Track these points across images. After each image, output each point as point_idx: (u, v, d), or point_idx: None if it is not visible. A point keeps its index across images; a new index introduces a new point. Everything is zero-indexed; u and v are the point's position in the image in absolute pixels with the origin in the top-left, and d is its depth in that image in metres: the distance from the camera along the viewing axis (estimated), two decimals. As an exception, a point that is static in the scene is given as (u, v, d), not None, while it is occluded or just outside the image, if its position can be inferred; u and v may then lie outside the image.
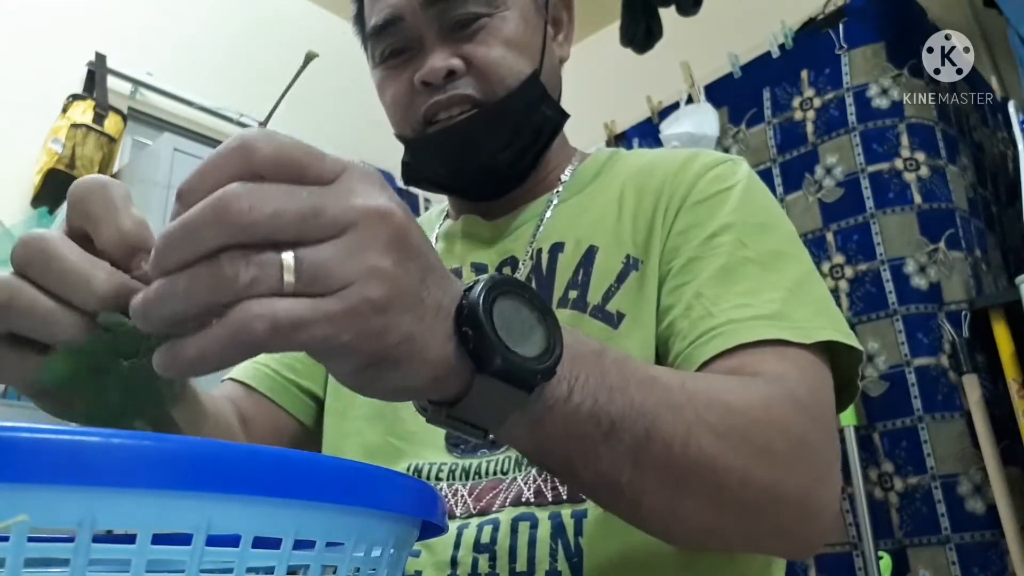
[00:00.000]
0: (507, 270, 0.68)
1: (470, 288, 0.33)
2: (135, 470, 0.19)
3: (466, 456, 0.61)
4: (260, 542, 0.20)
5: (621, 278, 0.62)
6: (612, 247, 0.64)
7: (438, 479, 0.61)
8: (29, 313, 0.32)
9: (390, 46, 0.67)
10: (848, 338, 0.54)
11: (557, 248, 0.66)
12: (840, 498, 1.75)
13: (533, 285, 0.65)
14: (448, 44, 0.64)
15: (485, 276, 0.34)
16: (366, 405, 0.67)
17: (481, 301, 0.32)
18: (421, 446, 0.63)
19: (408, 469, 0.62)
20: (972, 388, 1.65)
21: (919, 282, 1.79)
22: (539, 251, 0.67)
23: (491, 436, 0.36)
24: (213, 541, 0.19)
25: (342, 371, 0.31)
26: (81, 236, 0.34)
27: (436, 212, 0.82)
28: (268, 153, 0.28)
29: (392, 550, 0.25)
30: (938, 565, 1.61)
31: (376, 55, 0.68)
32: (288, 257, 0.27)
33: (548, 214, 0.69)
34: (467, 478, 0.60)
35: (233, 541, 0.20)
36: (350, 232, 0.28)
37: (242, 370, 0.73)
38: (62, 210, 1.68)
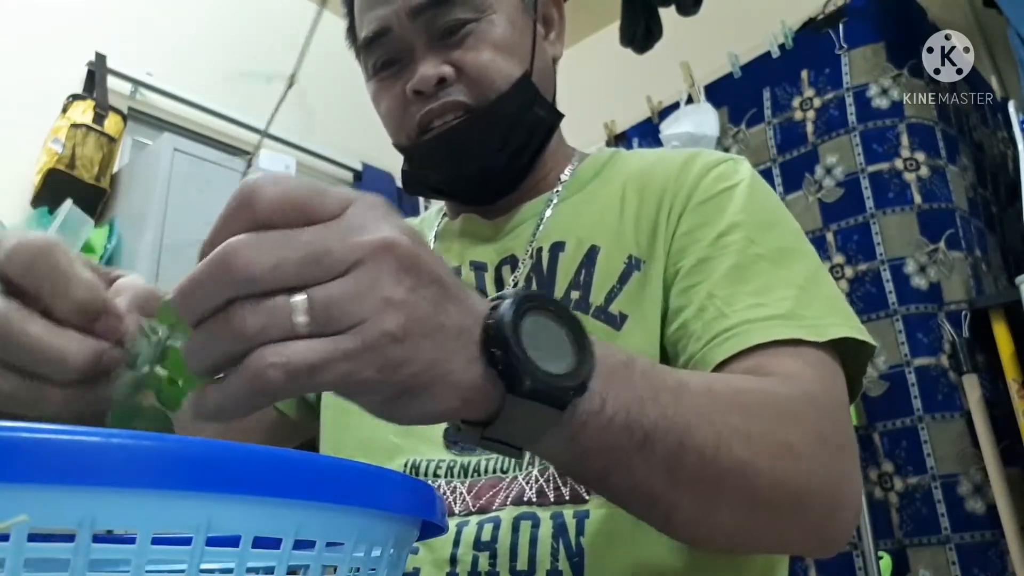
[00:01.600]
0: (506, 269, 0.68)
1: (496, 306, 0.33)
2: (135, 470, 0.19)
3: (464, 453, 0.61)
4: (260, 542, 0.20)
5: (623, 279, 0.62)
6: (614, 247, 0.64)
7: (436, 476, 0.61)
8: (10, 398, 0.32)
9: (381, 57, 0.67)
10: (861, 333, 0.55)
11: (558, 247, 0.66)
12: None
13: (533, 284, 0.65)
14: (437, 52, 0.65)
15: (511, 292, 0.34)
16: None
17: (509, 320, 0.32)
18: (419, 442, 0.63)
19: (406, 465, 0.62)
20: (972, 388, 1.65)
21: (919, 282, 1.79)
22: (539, 250, 0.66)
23: (527, 453, 0.36)
24: (213, 541, 0.19)
25: (369, 404, 0.31)
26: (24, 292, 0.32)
27: (434, 211, 0.82)
28: (270, 200, 0.28)
29: (392, 550, 0.25)
30: (938, 565, 1.61)
31: (369, 67, 0.69)
32: (300, 299, 0.27)
33: (548, 213, 0.69)
34: (465, 475, 0.60)
35: (233, 541, 0.20)
36: (359, 268, 0.28)
37: None
38: (61, 211, 1.67)
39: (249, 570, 0.20)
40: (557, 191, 0.71)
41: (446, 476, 0.60)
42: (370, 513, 0.23)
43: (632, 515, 0.44)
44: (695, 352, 0.54)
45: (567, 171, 0.73)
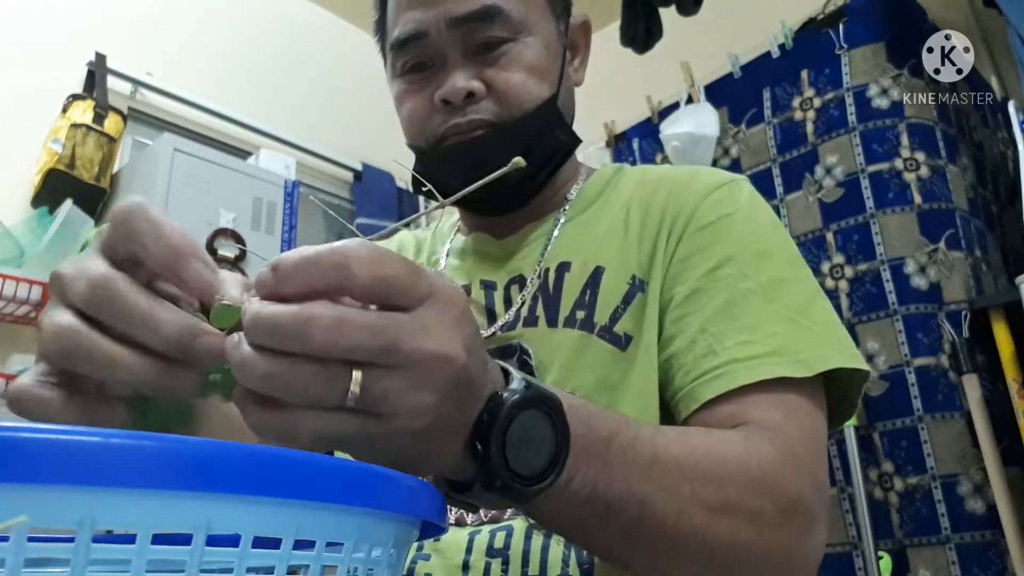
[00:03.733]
0: (515, 288, 0.69)
1: (496, 400, 0.34)
2: (135, 470, 0.19)
3: None
4: (260, 542, 0.20)
5: (627, 299, 0.63)
6: (618, 268, 0.65)
7: None
8: (91, 357, 0.32)
9: (412, 60, 0.67)
10: (852, 360, 0.56)
11: (564, 267, 0.67)
12: (841, 499, 1.75)
13: (540, 303, 0.66)
14: (471, 65, 0.65)
15: (518, 385, 0.35)
16: None
17: (500, 423, 0.33)
18: None
19: None
20: (972, 388, 1.65)
21: (919, 282, 1.79)
22: (546, 270, 0.67)
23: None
24: (213, 541, 0.19)
25: (359, 457, 0.32)
26: (126, 261, 0.34)
27: (448, 226, 0.83)
28: (364, 278, 0.29)
29: (392, 550, 0.25)
30: (938, 565, 1.61)
31: (397, 66, 0.69)
32: (357, 378, 0.29)
33: (555, 233, 0.70)
34: None
35: (233, 541, 0.20)
36: (415, 369, 0.30)
37: None
38: (61, 211, 1.66)
39: (249, 570, 0.20)
40: (564, 210, 0.72)
41: None
42: (370, 513, 0.23)
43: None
44: (683, 385, 0.57)
45: (573, 190, 0.74)
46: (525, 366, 0.64)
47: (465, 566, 0.57)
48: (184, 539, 0.19)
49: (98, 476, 0.19)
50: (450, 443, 0.33)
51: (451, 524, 0.60)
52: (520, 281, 0.69)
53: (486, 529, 0.58)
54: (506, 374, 0.36)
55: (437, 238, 0.81)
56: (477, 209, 0.74)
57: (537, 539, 0.56)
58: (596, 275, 0.65)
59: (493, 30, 0.64)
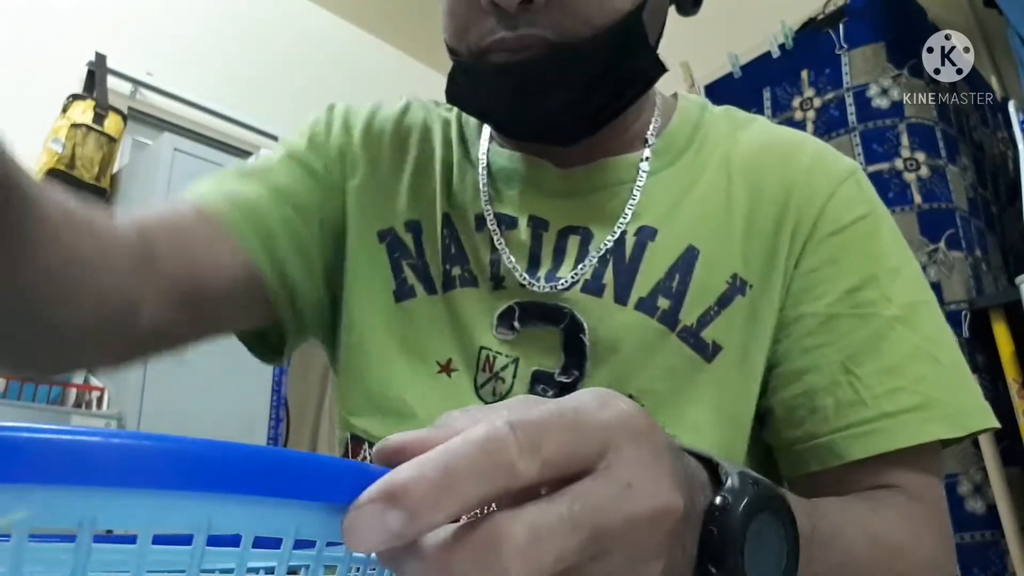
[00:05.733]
0: (574, 239, 0.56)
1: (721, 507, 0.27)
2: (136, 470, 0.19)
3: None
4: (261, 542, 0.20)
5: (724, 301, 0.53)
6: (717, 256, 0.54)
7: None
8: None
9: None
10: (992, 420, 0.51)
11: (647, 234, 0.55)
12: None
13: (609, 269, 0.54)
14: None
15: (738, 486, 0.27)
16: (384, 348, 0.58)
17: (735, 537, 0.26)
18: (436, 416, 0.56)
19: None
20: (972, 388, 1.65)
21: (919, 282, 1.79)
22: (623, 232, 0.55)
23: None
24: (213, 541, 0.20)
25: None
26: None
27: (475, 124, 0.65)
28: (530, 469, 0.21)
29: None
30: (938, 565, 1.61)
31: None
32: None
33: (638, 184, 0.57)
34: None
35: (234, 541, 0.20)
36: (630, 540, 0.23)
37: (214, 191, 0.57)
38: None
39: (249, 570, 0.20)
40: (646, 157, 0.58)
41: None
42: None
43: None
44: (821, 434, 0.50)
45: (652, 127, 0.60)
46: (577, 344, 0.53)
47: None
48: (184, 539, 0.20)
49: (98, 476, 0.19)
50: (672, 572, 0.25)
51: None
52: (583, 234, 0.56)
53: None
54: (703, 461, 0.29)
55: (468, 136, 0.64)
56: (527, 139, 0.59)
57: None
58: (688, 258, 0.54)
59: None
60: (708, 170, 0.58)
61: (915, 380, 0.50)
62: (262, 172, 0.61)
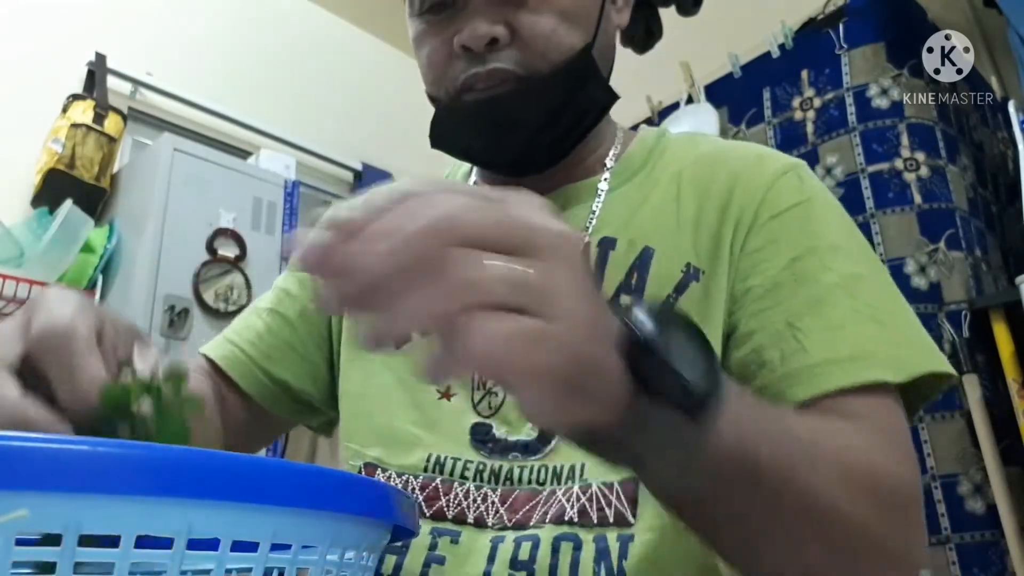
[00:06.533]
0: None
1: (628, 312, 0.32)
2: (119, 477, 0.20)
3: (494, 457, 0.58)
4: (238, 545, 0.20)
5: (680, 288, 0.58)
6: (670, 252, 0.59)
7: (464, 477, 0.58)
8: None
9: None
10: (942, 364, 0.53)
11: (608, 244, 0.61)
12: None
13: None
14: (495, 7, 0.57)
15: (643, 302, 0.33)
16: (385, 388, 0.65)
17: (653, 327, 0.31)
18: (442, 437, 0.60)
19: (428, 460, 0.59)
20: (972, 388, 1.65)
21: (919, 282, 1.79)
22: (586, 244, 0.61)
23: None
24: (193, 545, 0.20)
25: (532, 397, 0.28)
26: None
27: (462, 173, 0.75)
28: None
29: (364, 553, 0.25)
30: (938, 565, 1.61)
31: (415, 3, 0.61)
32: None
33: (597, 203, 0.63)
34: (497, 482, 0.57)
35: (213, 545, 0.20)
36: (554, 258, 0.28)
37: (216, 348, 0.72)
38: (61, 211, 1.67)
39: (228, 571, 0.20)
40: (605, 179, 0.65)
41: (475, 479, 0.58)
42: (342, 517, 0.23)
43: (709, 545, 0.42)
44: (770, 382, 0.52)
45: (611, 155, 0.67)
46: None
47: None
48: (164, 543, 0.20)
49: (84, 483, 0.19)
50: (609, 359, 0.30)
51: (471, 524, 0.56)
52: None
53: (510, 537, 0.54)
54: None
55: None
56: (501, 170, 0.66)
57: (566, 554, 0.52)
58: (645, 257, 0.59)
59: None
60: (660, 185, 0.64)
61: (857, 336, 0.52)
62: (267, 296, 0.75)
